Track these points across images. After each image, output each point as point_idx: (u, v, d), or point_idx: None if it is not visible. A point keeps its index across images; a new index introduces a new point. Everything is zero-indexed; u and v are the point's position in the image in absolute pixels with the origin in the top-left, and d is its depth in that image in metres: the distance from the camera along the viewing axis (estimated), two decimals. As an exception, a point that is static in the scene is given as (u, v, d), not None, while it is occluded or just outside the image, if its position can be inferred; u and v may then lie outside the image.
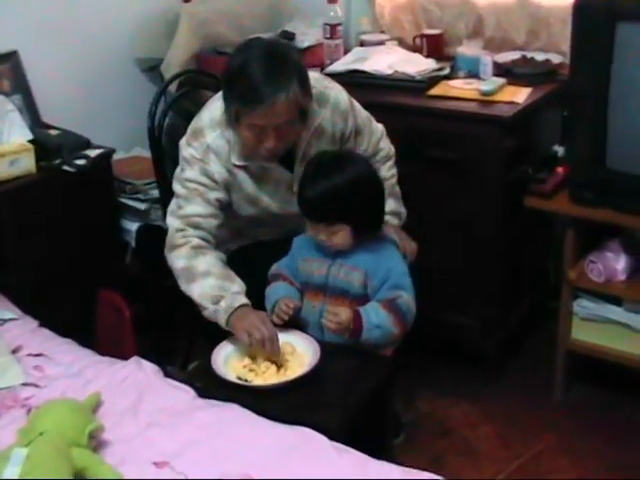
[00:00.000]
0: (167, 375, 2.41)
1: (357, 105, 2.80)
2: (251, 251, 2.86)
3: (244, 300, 2.51)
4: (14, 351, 2.51)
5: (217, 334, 2.54)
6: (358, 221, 2.44)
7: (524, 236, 3.37)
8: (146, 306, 3.40)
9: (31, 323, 2.69)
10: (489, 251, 3.23)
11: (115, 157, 3.43)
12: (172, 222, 2.65)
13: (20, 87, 3.33)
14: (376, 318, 2.42)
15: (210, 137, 2.61)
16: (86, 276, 3.25)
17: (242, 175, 2.65)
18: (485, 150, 3.08)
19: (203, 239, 2.60)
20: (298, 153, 2.66)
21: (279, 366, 2.38)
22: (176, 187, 2.68)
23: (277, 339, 2.41)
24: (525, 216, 3.18)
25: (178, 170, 2.69)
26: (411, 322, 2.49)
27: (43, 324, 2.70)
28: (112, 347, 3.04)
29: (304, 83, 2.48)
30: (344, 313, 2.40)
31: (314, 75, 2.72)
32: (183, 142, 2.68)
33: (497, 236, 3.20)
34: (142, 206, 3.39)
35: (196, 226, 2.60)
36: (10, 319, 2.69)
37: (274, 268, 2.66)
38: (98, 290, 3.25)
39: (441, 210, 3.24)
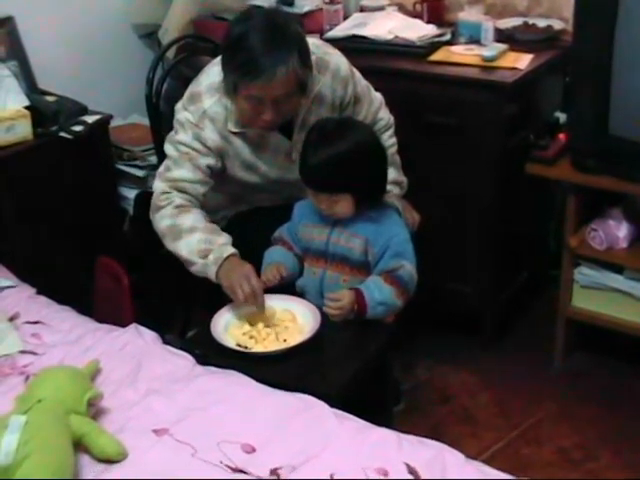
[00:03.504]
0: (166, 342, 2.39)
1: (357, 73, 2.77)
2: (249, 217, 2.84)
3: (232, 250, 2.50)
4: (11, 318, 2.49)
5: (215, 301, 2.52)
6: (360, 190, 2.41)
7: (524, 203, 3.35)
8: (144, 274, 3.38)
9: (28, 290, 2.67)
10: (489, 218, 3.20)
11: (113, 124, 3.40)
12: (158, 184, 2.64)
13: (16, 53, 3.29)
14: (379, 294, 2.39)
15: (207, 102, 2.58)
16: (84, 243, 3.23)
17: (239, 142, 2.62)
18: (486, 116, 3.05)
19: (187, 200, 2.59)
20: (297, 120, 2.63)
21: (279, 333, 2.36)
22: (167, 148, 2.66)
23: (262, 294, 2.40)
24: (526, 183, 3.16)
25: (172, 132, 2.67)
26: (413, 291, 2.46)
27: (41, 292, 2.68)
28: (110, 315, 3.01)
29: (304, 55, 2.45)
30: (346, 297, 2.37)
31: (314, 41, 2.70)
32: (179, 106, 2.65)
33: (497, 203, 3.18)
34: (140, 173, 3.37)
35: (182, 190, 2.59)
36: (7, 287, 2.67)
37: (277, 232, 2.64)
38: (96, 258, 3.22)
39: (441, 177, 3.21)
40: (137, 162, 3.38)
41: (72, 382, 2.03)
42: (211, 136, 2.59)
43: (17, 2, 3.30)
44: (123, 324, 2.50)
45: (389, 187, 2.75)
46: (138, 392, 2.14)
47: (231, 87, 2.49)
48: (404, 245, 2.44)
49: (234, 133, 2.60)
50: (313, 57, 2.56)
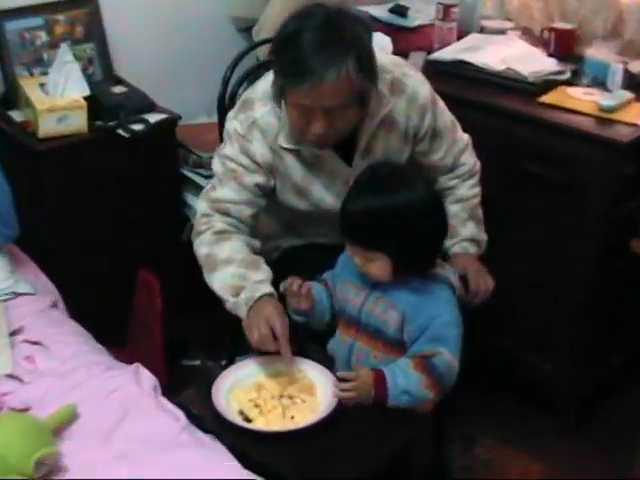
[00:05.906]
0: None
1: (441, 104, 2.40)
2: (304, 253, 2.52)
3: (265, 289, 2.16)
4: (13, 333, 2.28)
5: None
6: (401, 255, 2.01)
7: (626, 278, 2.89)
8: (199, 286, 3.12)
9: (44, 302, 2.45)
10: (582, 290, 2.80)
11: (193, 120, 3.19)
12: (200, 205, 2.36)
13: (95, 35, 3.08)
14: (404, 381, 1.98)
15: (259, 111, 2.26)
16: (134, 248, 3.00)
17: (290, 160, 2.30)
18: (594, 177, 2.64)
19: (229, 224, 2.29)
20: (360, 144, 2.28)
21: (287, 408, 2.02)
22: (214, 163, 2.37)
23: (286, 343, 2.06)
24: (629, 256, 2.72)
25: (221, 145, 2.38)
26: (450, 384, 2.04)
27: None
28: (143, 331, 2.87)
29: (365, 62, 2.08)
30: (362, 377, 1.99)
31: (393, 59, 2.38)
32: (230, 114, 2.35)
33: (593, 275, 2.77)
34: (204, 182, 3.06)
35: (224, 212, 2.29)
36: (24, 293, 2.45)
37: (325, 275, 2.27)
38: (144, 267, 2.97)
39: (531, 237, 2.82)
40: (202, 170, 3.10)
41: (23, 437, 1.79)
42: (260, 150, 2.27)
43: (104, -20, 3.07)
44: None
45: (465, 244, 2.42)
46: (108, 452, 1.87)
47: (279, 92, 2.17)
48: (447, 329, 2.02)
49: (286, 149, 2.28)
50: (388, 76, 2.25)
